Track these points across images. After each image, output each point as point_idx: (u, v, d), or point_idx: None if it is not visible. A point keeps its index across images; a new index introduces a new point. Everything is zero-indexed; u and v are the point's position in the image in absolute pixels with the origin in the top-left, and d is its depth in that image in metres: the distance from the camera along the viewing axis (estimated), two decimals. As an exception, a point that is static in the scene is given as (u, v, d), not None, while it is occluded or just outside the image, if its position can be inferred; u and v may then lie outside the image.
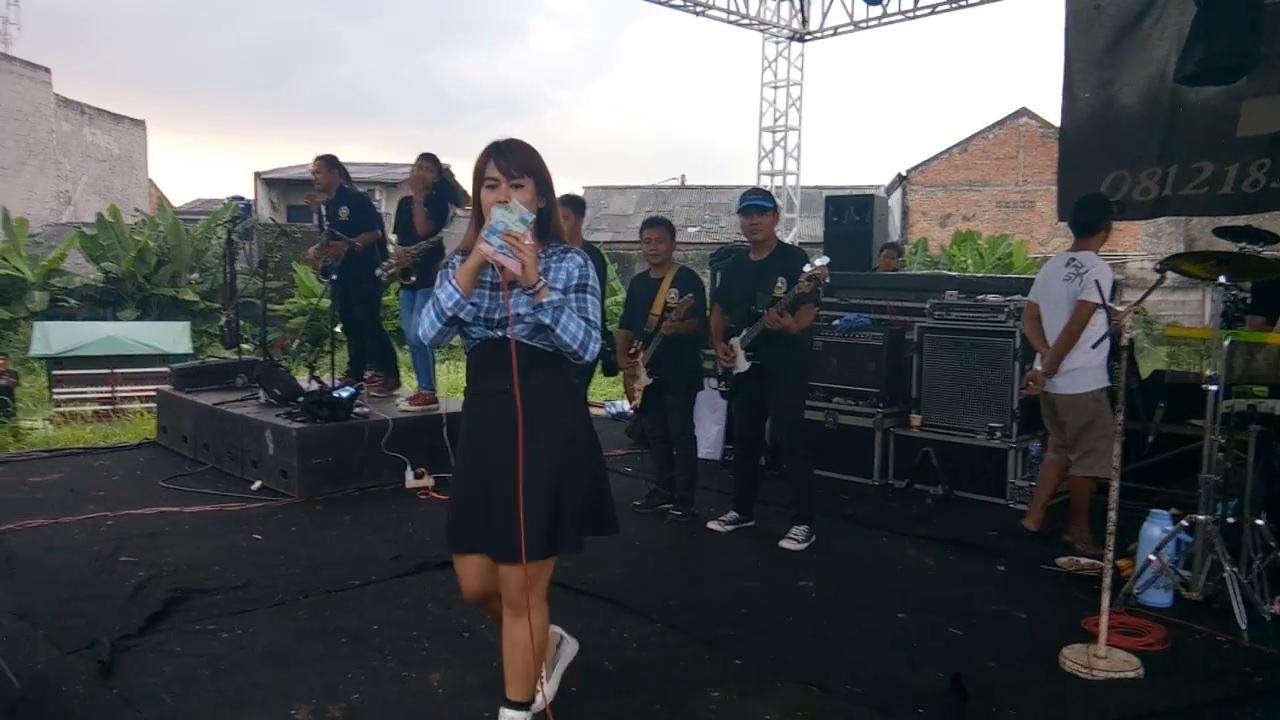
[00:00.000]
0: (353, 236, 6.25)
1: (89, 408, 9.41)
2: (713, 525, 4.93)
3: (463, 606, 3.66)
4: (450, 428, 5.83)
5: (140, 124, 30.34)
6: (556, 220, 2.52)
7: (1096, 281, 4.01)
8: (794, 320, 4.44)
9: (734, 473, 5.12)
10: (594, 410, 7.72)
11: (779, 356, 4.57)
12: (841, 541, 4.77)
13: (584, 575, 4.11)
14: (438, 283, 2.42)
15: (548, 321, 2.32)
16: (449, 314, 2.36)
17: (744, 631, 3.56)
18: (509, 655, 2.54)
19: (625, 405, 7.31)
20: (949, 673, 3.11)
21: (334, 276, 6.22)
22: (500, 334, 2.39)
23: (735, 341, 4.67)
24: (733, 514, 4.95)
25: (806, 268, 4.35)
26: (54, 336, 10.48)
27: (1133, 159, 4.59)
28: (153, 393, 7.75)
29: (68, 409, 9.32)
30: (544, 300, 2.31)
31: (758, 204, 4.66)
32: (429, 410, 6.10)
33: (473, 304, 2.38)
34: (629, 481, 5.81)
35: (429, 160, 6.21)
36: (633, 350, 5.11)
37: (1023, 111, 24.67)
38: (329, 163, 6.57)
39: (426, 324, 2.39)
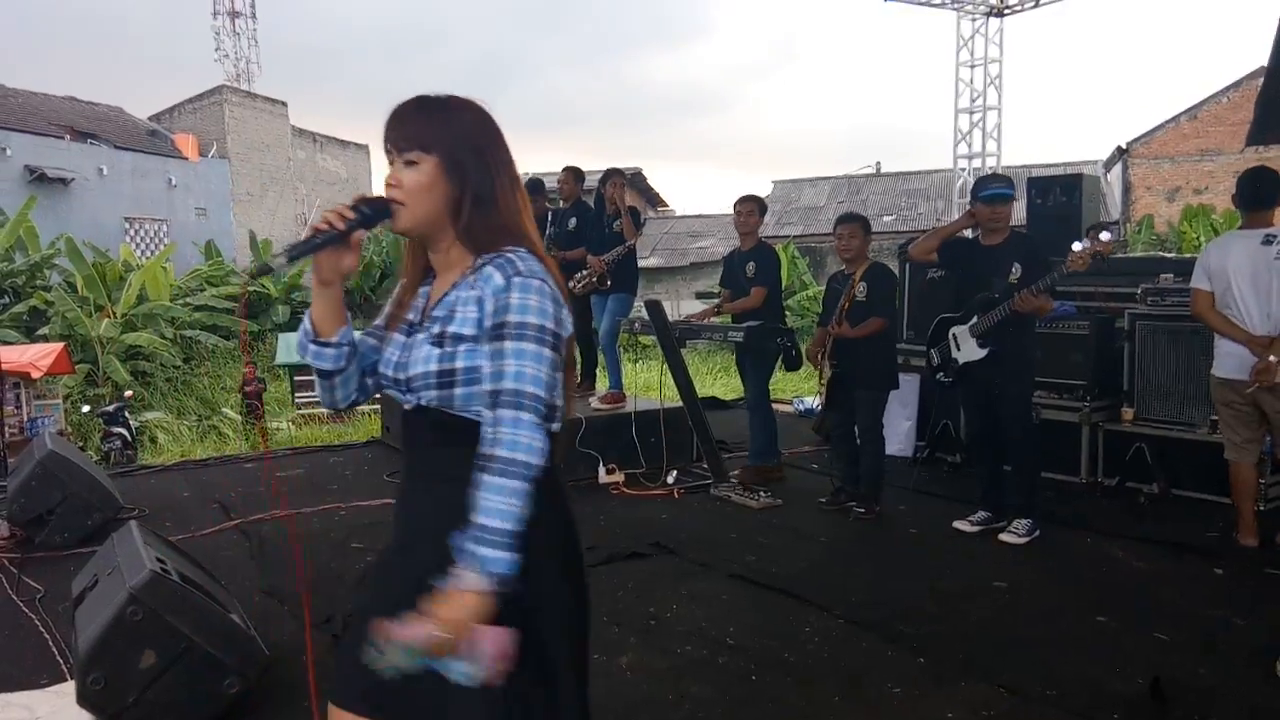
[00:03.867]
0: (575, 247, 6.72)
1: (325, 410, 10.42)
2: (959, 524, 4.81)
3: (650, 596, 3.86)
4: (640, 426, 6.07)
5: (364, 148, 33.00)
6: (501, 211, 1.55)
7: None
8: (1045, 305, 4.29)
9: (975, 471, 5.00)
10: (782, 407, 7.76)
11: (1013, 344, 4.43)
12: (1041, 542, 4.57)
13: (767, 569, 4.20)
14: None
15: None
16: (311, 364, 1.61)
17: (930, 630, 3.52)
18: None
19: (812, 401, 7.31)
20: (1150, 678, 2.96)
21: None
22: (411, 400, 1.54)
23: (963, 329, 4.57)
24: (981, 513, 4.80)
25: (1077, 245, 4.10)
26: (295, 346, 11.67)
27: None
28: (377, 396, 8.50)
29: (307, 411, 10.37)
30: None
31: (1002, 193, 4.49)
32: (618, 409, 6.37)
33: (329, 345, 1.57)
34: (815, 478, 5.83)
35: (619, 175, 6.59)
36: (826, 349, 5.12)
37: (1261, 71, 22.28)
38: (575, 175, 7.09)
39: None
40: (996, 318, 4.36)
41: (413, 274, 1.60)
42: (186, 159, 25.43)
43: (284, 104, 28.59)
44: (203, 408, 13.46)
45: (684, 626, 3.55)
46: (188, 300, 17.45)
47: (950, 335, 4.62)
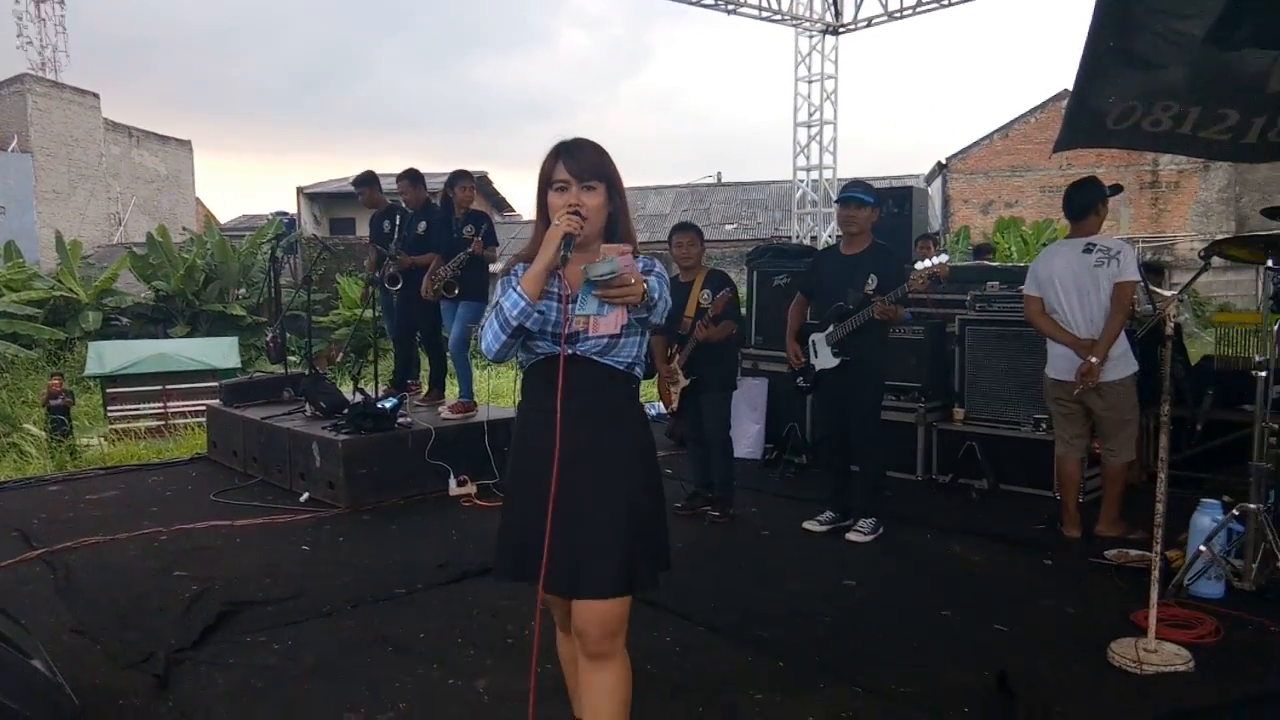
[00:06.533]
0: (424, 252, 6.50)
1: (142, 424, 9.68)
2: (808, 525, 4.90)
3: (507, 613, 3.73)
4: (492, 436, 5.90)
5: (186, 144, 31.05)
6: (626, 225, 2.28)
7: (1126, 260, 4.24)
8: (897, 312, 4.42)
9: (824, 471, 5.12)
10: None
11: (866, 353, 4.55)
12: (885, 539, 4.73)
13: (626, 579, 4.14)
14: (499, 291, 2.21)
15: (657, 321, 2.23)
16: (514, 324, 2.13)
17: (786, 633, 3.56)
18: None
19: (659, 406, 7.33)
20: (996, 671, 3.08)
21: (399, 286, 6.52)
22: (570, 349, 2.18)
23: (820, 337, 4.66)
24: (828, 514, 4.92)
25: (921, 264, 4.26)
26: (108, 355, 10.78)
27: (1147, 92, 4.47)
28: (203, 408, 7.94)
29: (122, 426, 9.60)
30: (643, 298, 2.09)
31: (857, 196, 4.60)
32: (469, 418, 6.18)
33: (539, 312, 2.15)
34: (670, 484, 5.81)
35: (468, 178, 6.45)
36: (669, 354, 5.13)
37: (1064, 94, 24.20)
38: (412, 180, 6.81)
39: (490, 336, 2.17)
40: (850, 327, 4.49)
41: (553, 262, 2.10)
42: (-20, 151, 23.14)
43: (95, 95, 26.52)
44: (0, 424, 12.22)
45: (544, 644, 3.42)
46: (-18, 306, 15.85)
47: (810, 342, 4.73)
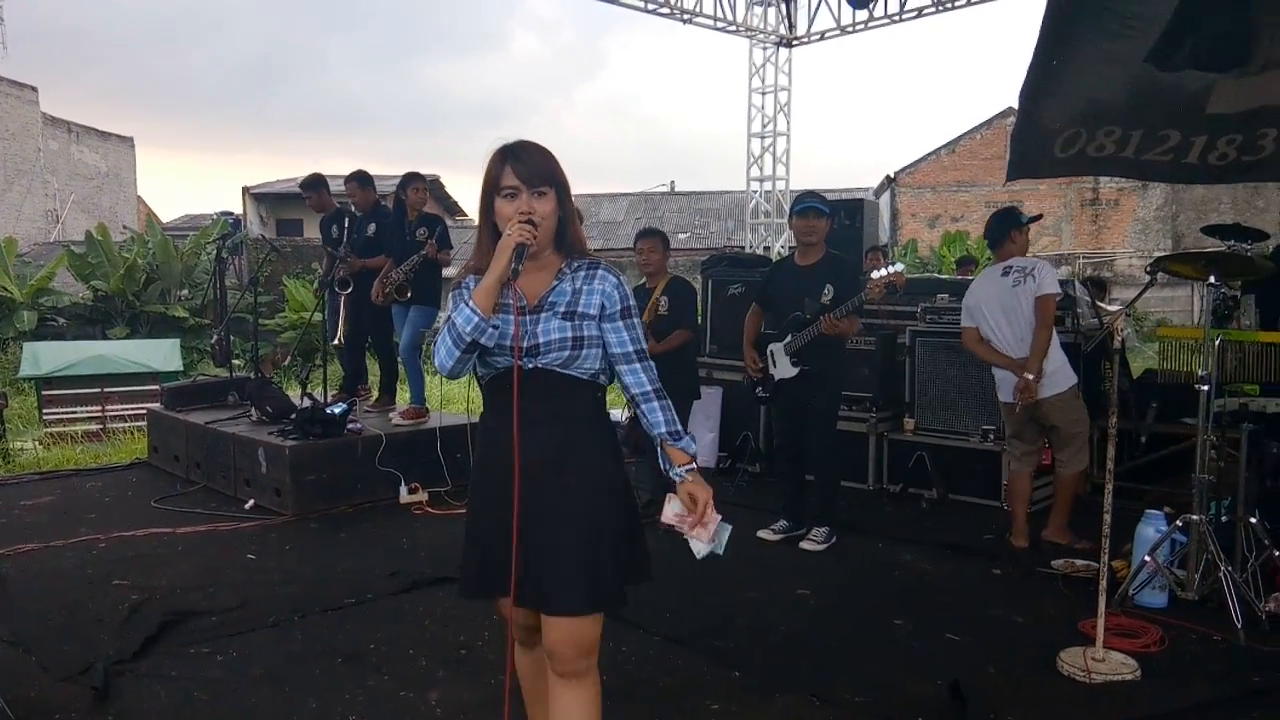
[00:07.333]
0: (374, 255, 6.42)
1: (79, 428, 9.36)
2: (763, 534, 4.91)
3: (459, 623, 3.68)
4: (444, 442, 5.82)
5: (128, 141, 30.27)
6: (575, 229, 2.21)
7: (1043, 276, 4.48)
8: (849, 325, 4.47)
9: (781, 480, 5.13)
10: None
11: (824, 362, 4.59)
12: (839, 548, 4.76)
13: (580, 588, 4.10)
14: (451, 305, 2.13)
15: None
16: (468, 339, 2.05)
17: (742, 643, 3.56)
18: None
19: (619, 414, 7.32)
20: (948, 679, 3.10)
21: (350, 289, 6.41)
22: (530, 363, 2.11)
23: (779, 347, 4.67)
24: (783, 522, 4.93)
25: (877, 273, 4.31)
26: (43, 356, 10.41)
27: (1091, 117, 4.62)
28: (143, 412, 7.72)
29: (58, 429, 9.29)
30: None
31: (815, 206, 4.66)
32: (420, 424, 6.10)
33: (494, 327, 2.07)
34: (624, 492, 5.80)
35: (420, 180, 6.39)
36: None
37: (1009, 111, 24.76)
38: (361, 182, 6.72)
39: (443, 352, 2.08)
40: (807, 337, 4.52)
41: (505, 275, 2.03)
42: (-91, 143, 22.34)
43: (33, 88, 25.74)
44: (-73, 427, 11.75)
45: (497, 655, 3.38)
46: (-91, 304, 15.27)
47: (769, 352, 4.76)
